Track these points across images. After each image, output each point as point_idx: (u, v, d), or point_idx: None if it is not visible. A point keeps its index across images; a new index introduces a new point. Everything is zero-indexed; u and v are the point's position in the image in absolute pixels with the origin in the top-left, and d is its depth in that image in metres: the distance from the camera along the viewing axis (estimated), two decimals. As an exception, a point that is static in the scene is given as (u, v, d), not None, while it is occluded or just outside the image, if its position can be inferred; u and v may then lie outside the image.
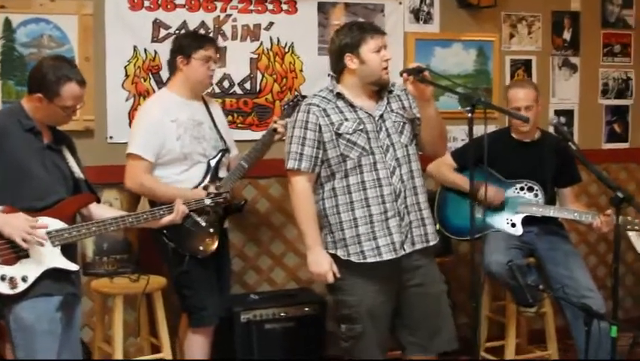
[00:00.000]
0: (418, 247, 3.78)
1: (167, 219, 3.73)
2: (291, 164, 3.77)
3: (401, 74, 3.69)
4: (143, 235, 4.42)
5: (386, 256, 3.71)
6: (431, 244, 3.84)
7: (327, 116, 3.74)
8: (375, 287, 3.74)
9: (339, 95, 3.77)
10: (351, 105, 3.76)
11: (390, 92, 3.85)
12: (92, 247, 4.54)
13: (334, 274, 3.73)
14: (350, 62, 3.74)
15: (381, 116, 3.78)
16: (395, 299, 3.80)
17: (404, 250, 3.73)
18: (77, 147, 3.83)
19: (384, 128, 3.77)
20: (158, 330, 4.33)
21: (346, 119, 3.74)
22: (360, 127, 3.73)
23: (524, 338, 5.15)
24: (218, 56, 4.37)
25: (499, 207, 4.68)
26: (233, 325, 4.60)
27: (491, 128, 4.93)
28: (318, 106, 3.75)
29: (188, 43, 4.27)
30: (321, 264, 3.74)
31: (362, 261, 3.72)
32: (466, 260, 5.37)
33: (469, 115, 3.39)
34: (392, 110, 3.82)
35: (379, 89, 3.82)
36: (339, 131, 3.72)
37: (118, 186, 4.49)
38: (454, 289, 5.40)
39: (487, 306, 4.94)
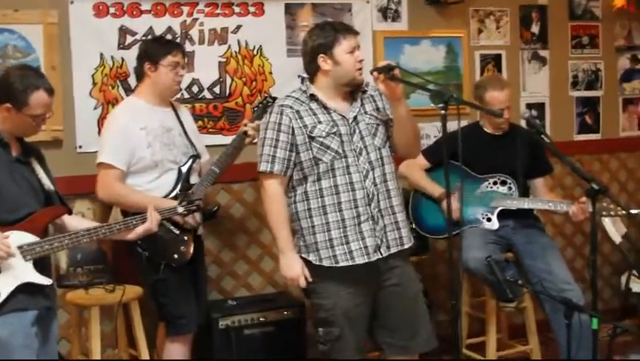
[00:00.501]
0: (394, 250, 3.75)
1: (142, 229, 3.67)
2: (263, 166, 3.74)
3: (371, 73, 3.66)
4: (117, 244, 4.34)
5: (359, 260, 3.68)
6: (406, 246, 3.82)
7: (301, 118, 3.69)
8: (351, 290, 3.71)
9: (312, 97, 3.73)
10: (325, 107, 3.72)
11: (364, 92, 3.82)
12: (65, 258, 4.46)
13: (306, 278, 3.70)
14: (324, 63, 3.70)
15: (355, 118, 3.74)
16: (372, 301, 3.78)
17: (380, 253, 3.71)
18: (46, 158, 3.77)
19: (357, 131, 3.73)
20: (136, 340, 4.26)
21: (320, 122, 3.70)
22: (334, 130, 3.69)
23: (505, 333, 5.17)
24: (185, 61, 4.32)
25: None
26: (211, 331, 4.55)
27: (462, 123, 4.91)
28: (291, 108, 3.71)
29: (155, 49, 4.21)
30: (292, 268, 3.72)
31: (334, 265, 3.70)
32: (443, 258, 5.35)
33: (442, 112, 3.36)
34: (366, 112, 3.79)
35: (353, 90, 3.78)
36: (312, 134, 3.68)
37: (89, 197, 4.43)
38: (433, 287, 5.39)
39: (466, 302, 4.94)
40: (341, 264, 3.68)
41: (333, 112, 3.72)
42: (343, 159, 3.69)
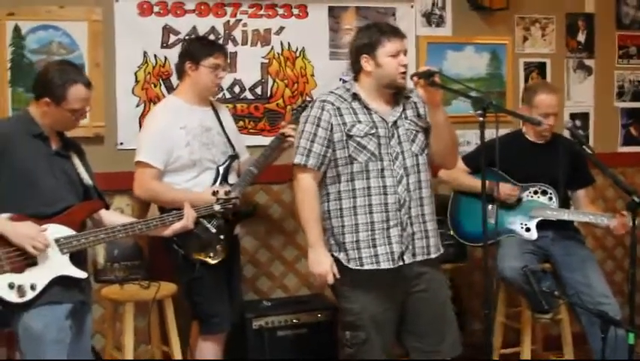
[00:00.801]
0: (419, 258, 3.74)
1: (178, 225, 3.70)
2: (298, 159, 3.73)
3: (411, 78, 3.65)
4: (154, 241, 4.37)
5: (383, 265, 3.67)
6: (432, 256, 3.79)
7: (341, 115, 3.69)
8: (378, 294, 3.70)
9: (355, 96, 3.73)
10: (366, 107, 3.71)
11: (407, 98, 3.80)
12: (103, 253, 4.50)
13: (334, 277, 3.69)
14: (366, 63, 3.70)
15: (395, 122, 3.73)
16: (400, 306, 3.76)
17: (403, 260, 3.69)
18: (87, 154, 3.81)
19: (396, 135, 3.72)
20: (168, 337, 4.29)
21: (359, 122, 3.69)
22: (372, 131, 3.68)
23: (540, 344, 5.09)
24: (227, 63, 4.34)
25: (516, 204, 4.63)
26: (245, 331, 4.56)
27: (504, 131, 4.88)
28: (332, 104, 3.71)
29: (197, 48, 4.24)
30: (321, 263, 3.70)
31: (359, 268, 3.69)
32: (480, 266, 5.28)
33: (481, 119, 3.34)
34: (407, 118, 3.77)
35: (396, 94, 3.77)
36: (351, 133, 3.68)
37: (129, 193, 4.45)
38: (468, 295, 5.37)
39: (502, 312, 4.88)
40: (366, 267, 3.68)
41: (374, 113, 3.71)
42: (378, 162, 3.68)
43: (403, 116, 3.76)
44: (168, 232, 3.71)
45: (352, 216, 3.69)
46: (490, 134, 4.74)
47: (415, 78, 3.60)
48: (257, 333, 4.57)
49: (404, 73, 3.70)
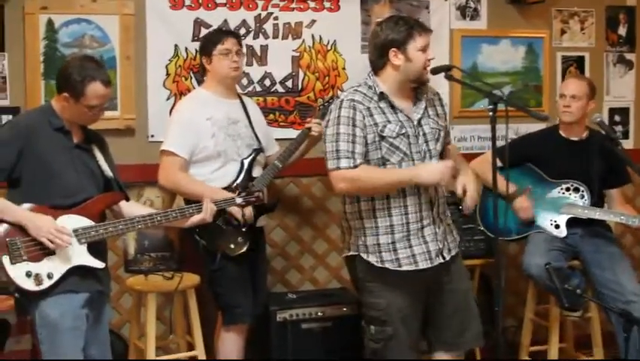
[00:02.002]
0: (454, 253, 3.75)
1: (197, 218, 3.71)
2: (344, 163, 3.59)
3: (426, 74, 3.65)
4: (183, 232, 4.42)
5: (422, 265, 3.65)
6: (453, 252, 3.79)
7: (371, 115, 3.63)
8: (407, 290, 3.68)
9: (382, 95, 3.67)
10: (392, 107, 3.67)
11: (426, 94, 3.77)
12: (133, 244, 4.57)
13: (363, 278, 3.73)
14: (395, 57, 3.63)
15: (420, 120, 3.70)
16: (425, 299, 3.76)
17: (443, 257, 3.69)
18: (119, 146, 3.88)
19: (422, 134, 3.70)
20: (191, 328, 4.34)
21: (389, 122, 3.64)
22: (403, 131, 3.64)
23: (570, 343, 5.02)
24: (239, 46, 4.34)
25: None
26: (269, 323, 4.58)
27: (536, 127, 4.82)
28: (362, 104, 3.64)
29: (206, 42, 4.34)
30: (434, 169, 3.60)
31: (397, 269, 3.66)
32: (513, 262, 5.25)
33: (491, 113, 3.31)
34: (429, 116, 3.75)
35: (417, 91, 3.74)
36: (383, 134, 3.62)
37: (159, 185, 4.52)
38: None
39: (531, 309, 4.82)
40: (404, 268, 3.65)
41: (400, 112, 3.67)
42: (411, 162, 3.65)
43: (426, 114, 3.74)
44: (188, 224, 3.75)
45: (386, 217, 3.65)
46: (525, 129, 4.78)
47: None
48: (280, 325, 4.58)
49: (427, 67, 3.67)
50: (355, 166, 3.59)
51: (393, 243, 3.65)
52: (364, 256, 3.70)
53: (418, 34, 3.63)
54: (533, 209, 4.59)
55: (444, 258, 3.69)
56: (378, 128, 3.62)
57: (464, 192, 3.70)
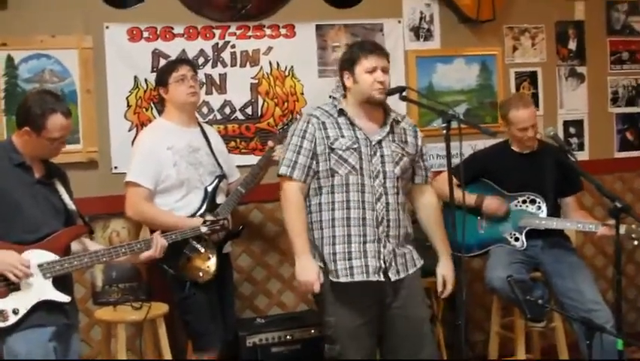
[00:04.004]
0: (402, 275, 3.80)
1: (145, 256, 3.73)
2: (283, 170, 3.81)
3: (386, 94, 3.73)
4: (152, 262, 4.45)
5: (357, 278, 3.72)
6: (410, 272, 3.85)
7: (325, 129, 3.79)
8: (355, 308, 3.75)
9: (341, 112, 3.81)
10: (352, 124, 3.79)
11: (398, 122, 3.87)
12: (101, 276, 4.60)
13: (320, 288, 3.76)
14: (347, 79, 3.82)
15: (380, 142, 3.79)
16: (378, 320, 3.81)
17: (386, 277, 3.75)
18: (82, 179, 3.92)
19: (379, 154, 3.78)
20: (162, 357, 4.36)
21: (342, 136, 3.77)
22: (355, 146, 3.76)
23: (537, 353, 5.10)
24: (194, 72, 4.40)
25: (504, 218, 4.66)
26: (239, 349, 4.61)
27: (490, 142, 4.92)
28: (317, 118, 3.81)
29: (161, 73, 4.43)
30: (308, 272, 3.74)
31: (335, 280, 3.75)
32: (477, 276, 5.33)
33: (444, 131, 3.39)
34: (393, 141, 3.84)
35: (386, 115, 3.85)
36: (333, 146, 3.76)
37: (125, 216, 4.54)
38: (468, 306, 5.37)
39: (496, 322, 4.90)
40: (341, 279, 3.73)
41: (359, 130, 3.78)
42: (359, 176, 3.75)
43: (390, 138, 3.82)
44: (139, 259, 3.76)
45: (330, 228, 3.77)
46: (482, 145, 4.85)
47: None
48: (251, 350, 4.62)
49: (381, 89, 3.76)
50: (290, 176, 3.77)
51: (334, 254, 3.76)
52: (320, 264, 3.80)
53: (364, 57, 3.77)
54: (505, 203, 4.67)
55: (388, 278, 3.75)
56: (329, 141, 3.77)
57: (444, 284, 3.90)
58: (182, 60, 4.57)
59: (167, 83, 4.32)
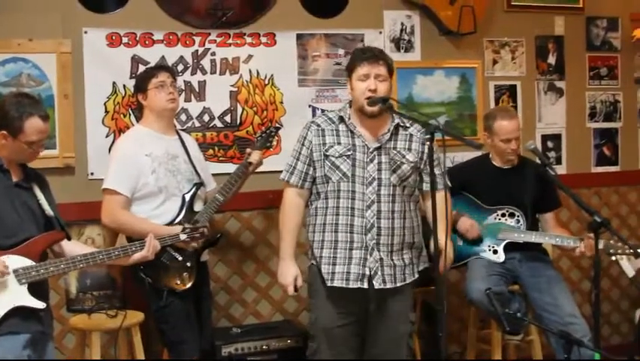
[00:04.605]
0: (389, 286, 3.79)
1: (138, 256, 3.73)
2: (283, 175, 3.97)
3: (368, 105, 3.72)
4: (127, 270, 4.40)
5: (337, 284, 3.77)
6: (398, 285, 3.84)
7: (323, 136, 3.84)
8: (335, 310, 3.82)
9: (341, 119, 3.84)
10: (351, 131, 3.80)
11: (405, 128, 3.85)
12: (75, 283, 4.54)
13: (295, 288, 3.87)
14: (348, 85, 3.89)
15: (379, 148, 3.78)
16: (361, 325, 3.84)
17: (370, 284, 3.75)
18: (59, 184, 3.87)
19: (376, 161, 3.78)
20: (137, 366, 4.32)
21: (338, 143, 3.80)
22: (349, 153, 3.77)
23: (512, 366, 5.11)
24: (172, 79, 4.37)
25: (476, 241, 4.66)
26: (215, 358, 4.57)
27: (472, 155, 4.92)
28: (318, 125, 3.87)
29: (140, 79, 4.39)
30: (284, 276, 3.89)
31: (314, 264, 3.86)
32: (454, 289, 5.33)
33: (428, 143, 3.38)
34: (395, 148, 3.82)
35: (389, 120, 3.84)
36: (327, 153, 3.80)
37: (100, 222, 4.48)
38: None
39: (473, 334, 4.89)
40: (327, 283, 3.79)
41: (358, 137, 3.80)
42: (350, 183, 3.77)
43: (390, 145, 3.81)
44: (129, 261, 3.74)
45: (321, 232, 3.84)
46: (461, 157, 4.85)
47: None
48: (226, 360, 4.58)
49: (370, 98, 3.75)
50: (288, 181, 3.92)
51: (321, 257, 3.84)
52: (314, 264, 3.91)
53: (359, 64, 3.80)
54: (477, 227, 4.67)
55: (372, 285, 3.75)
56: (324, 148, 3.83)
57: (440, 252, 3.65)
58: (162, 67, 4.53)
59: (146, 90, 4.28)
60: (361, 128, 3.82)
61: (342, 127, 3.84)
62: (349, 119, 3.84)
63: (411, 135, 3.88)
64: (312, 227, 3.91)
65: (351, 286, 3.76)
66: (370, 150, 3.78)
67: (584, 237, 4.44)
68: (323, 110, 5.09)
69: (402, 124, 3.85)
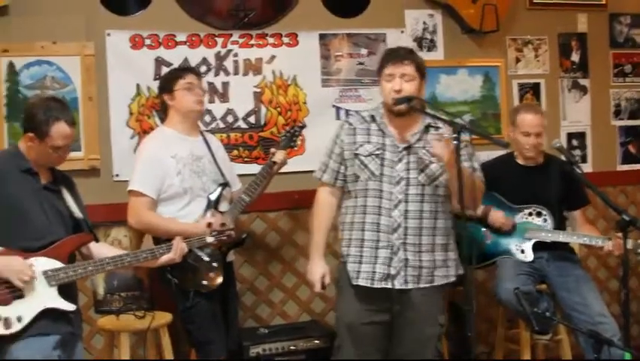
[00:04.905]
0: (411, 286, 3.75)
1: (165, 259, 3.73)
2: (316, 173, 4.00)
3: (392, 105, 3.70)
4: (153, 271, 4.40)
5: (361, 282, 3.77)
6: (422, 285, 3.78)
7: (354, 135, 3.84)
8: (360, 307, 3.80)
9: (372, 118, 3.83)
10: (382, 130, 3.79)
11: (437, 128, 3.79)
12: (102, 284, 4.55)
13: (323, 285, 3.88)
14: (379, 85, 3.88)
15: (408, 148, 3.75)
16: (387, 326, 3.82)
17: (392, 284, 3.72)
18: (84, 186, 3.87)
19: (404, 161, 3.75)
20: (165, 366, 4.32)
21: (368, 142, 3.80)
22: (378, 152, 3.76)
23: (541, 365, 5.08)
24: (200, 82, 4.38)
25: (510, 232, 4.63)
26: (242, 359, 4.57)
27: (497, 153, 4.88)
28: (350, 124, 3.88)
29: (167, 79, 4.38)
30: (312, 273, 3.91)
31: (344, 261, 3.86)
32: (481, 288, 5.30)
33: (454, 142, 3.36)
34: (424, 147, 3.78)
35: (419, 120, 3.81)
36: (357, 152, 3.80)
37: (126, 224, 4.48)
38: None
39: (502, 334, 4.86)
40: (352, 281, 3.80)
41: (388, 137, 3.78)
42: (378, 182, 3.75)
43: (420, 145, 3.77)
44: (157, 264, 3.75)
45: (350, 231, 3.85)
46: (485, 156, 4.82)
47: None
48: (254, 360, 4.59)
49: (396, 97, 3.72)
50: (320, 179, 3.95)
51: (348, 255, 3.84)
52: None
53: (385, 64, 3.80)
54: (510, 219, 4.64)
55: (393, 285, 3.72)
56: (354, 147, 3.82)
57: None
58: (189, 68, 4.54)
59: (173, 90, 4.27)
60: (391, 127, 3.80)
61: (373, 126, 3.82)
62: (381, 118, 3.82)
63: (442, 136, 3.80)
64: (342, 225, 3.92)
65: (375, 286, 3.74)
66: (399, 149, 3.76)
67: (611, 236, 4.41)
68: (347, 111, 5.11)
69: (433, 124, 3.80)
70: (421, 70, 3.81)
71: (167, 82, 4.34)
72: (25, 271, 3.30)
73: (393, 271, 3.72)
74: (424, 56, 5.22)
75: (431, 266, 3.79)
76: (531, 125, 4.58)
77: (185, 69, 4.47)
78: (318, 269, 3.87)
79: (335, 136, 3.93)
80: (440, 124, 3.79)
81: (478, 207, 4.35)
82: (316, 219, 3.96)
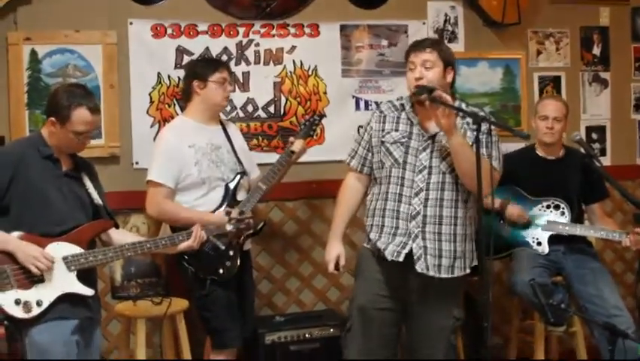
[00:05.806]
0: (432, 273, 3.73)
1: (184, 245, 3.78)
2: (346, 158, 4.02)
3: (411, 96, 3.71)
4: (170, 258, 4.45)
5: (380, 245, 3.77)
6: (443, 275, 3.75)
7: (383, 122, 3.85)
8: (375, 291, 3.82)
9: (402, 107, 3.85)
10: (410, 119, 3.80)
11: (462, 117, 3.75)
12: (119, 270, 4.60)
13: (337, 266, 3.89)
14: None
15: (434, 136, 3.75)
16: (397, 315, 3.84)
17: (413, 261, 3.70)
18: (104, 174, 3.92)
19: (429, 150, 3.75)
20: (181, 352, 4.35)
21: (396, 130, 3.81)
22: (403, 140, 3.77)
23: (555, 357, 5.08)
24: (231, 77, 4.44)
25: (525, 226, 4.63)
26: (258, 346, 4.62)
27: (518, 146, 4.89)
28: (381, 112, 3.89)
29: (203, 66, 4.37)
30: (327, 252, 3.93)
31: (367, 246, 3.89)
32: (497, 278, 5.31)
33: (475, 133, 3.37)
34: None
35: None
36: (383, 139, 3.82)
37: (145, 211, 4.53)
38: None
39: (516, 325, 4.88)
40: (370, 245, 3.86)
41: (416, 125, 3.78)
42: (400, 170, 3.76)
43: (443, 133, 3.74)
44: (175, 250, 3.80)
45: (372, 217, 3.86)
46: (505, 148, 4.81)
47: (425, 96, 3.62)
48: (269, 348, 4.63)
49: (417, 86, 3.71)
50: (349, 164, 3.97)
51: (368, 240, 3.88)
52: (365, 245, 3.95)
53: (408, 54, 3.83)
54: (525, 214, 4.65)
55: (413, 264, 3.69)
56: (381, 134, 3.84)
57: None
58: (225, 63, 4.56)
59: (207, 80, 4.27)
60: (419, 116, 3.80)
61: (403, 115, 3.83)
62: (410, 107, 3.83)
63: (468, 123, 3.77)
64: (366, 212, 3.93)
65: (387, 258, 3.74)
66: (425, 137, 3.76)
67: (629, 230, 4.41)
68: (367, 101, 5.13)
69: (459, 114, 3.74)
70: (446, 58, 3.78)
71: (202, 69, 4.33)
72: (40, 258, 3.35)
73: (407, 249, 3.71)
74: (445, 47, 5.30)
75: (452, 257, 3.77)
76: (549, 109, 4.61)
77: (220, 63, 4.50)
78: (334, 250, 3.90)
79: (366, 123, 3.96)
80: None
81: (488, 195, 4.27)
82: (340, 203, 3.98)
